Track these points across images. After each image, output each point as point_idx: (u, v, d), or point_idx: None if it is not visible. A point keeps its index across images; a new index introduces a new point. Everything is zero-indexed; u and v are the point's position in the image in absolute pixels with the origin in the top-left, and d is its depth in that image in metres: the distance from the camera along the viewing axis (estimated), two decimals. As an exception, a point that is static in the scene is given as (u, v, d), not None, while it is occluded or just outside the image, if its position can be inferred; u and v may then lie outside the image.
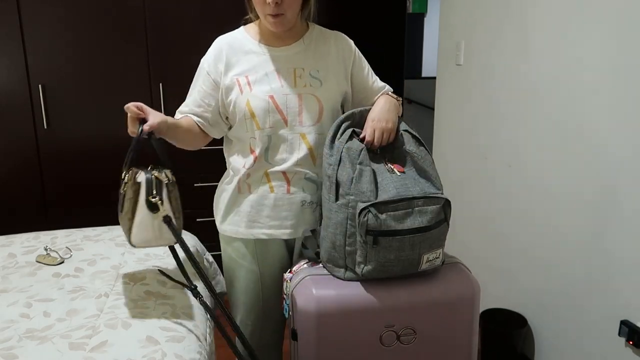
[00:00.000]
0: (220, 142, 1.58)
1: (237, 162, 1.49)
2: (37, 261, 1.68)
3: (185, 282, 1.41)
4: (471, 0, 2.45)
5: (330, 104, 1.45)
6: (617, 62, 1.68)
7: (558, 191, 1.97)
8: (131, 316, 1.34)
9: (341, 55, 1.50)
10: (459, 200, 2.51)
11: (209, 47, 1.48)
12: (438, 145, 2.84)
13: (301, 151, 1.44)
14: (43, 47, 2.64)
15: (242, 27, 1.51)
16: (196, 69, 1.49)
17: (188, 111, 1.48)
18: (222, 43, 1.47)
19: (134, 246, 1.33)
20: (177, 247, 1.34)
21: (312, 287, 1.35)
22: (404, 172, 1.38)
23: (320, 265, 1.44)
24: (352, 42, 1.54)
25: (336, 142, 1.38)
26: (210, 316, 1.40)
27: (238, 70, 1.43)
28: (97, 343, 1.23)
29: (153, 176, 1.27)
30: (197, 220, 2.59)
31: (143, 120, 1.30)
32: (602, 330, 1.80)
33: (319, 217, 1.48)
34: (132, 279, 1.54)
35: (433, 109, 2.87)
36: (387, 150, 1.44)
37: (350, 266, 1.36)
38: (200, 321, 1.40)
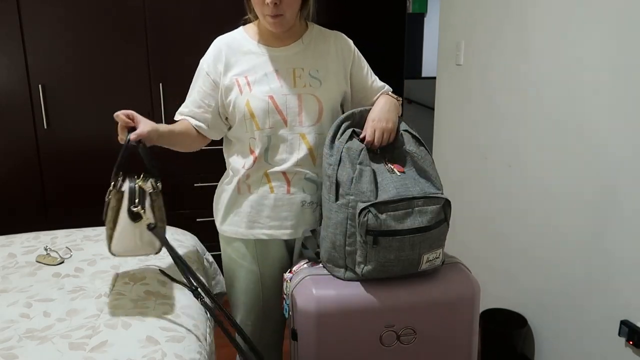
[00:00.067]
0: (220, 142, 1.57)
1: (237, 163, 1.49)
2: (37, 261, 1.68)
3: (185, 282, 1.40)
4: (471, 0, 2.45)
5: (329, 104, 1.45)
6: (617, 62, 1.68)
7: (558, 191, 1.97)
8: (131, 316, 1.34)
9: (340, 55, 1.50)
10: (459, 200, 2.51)
11: (209, 47, 1.48)
12: (438, 145, 2.84)
13: (301, 151, 1.44)
14: (43, 47, 2.64)
15: (241, 28, 1.51)
16: (196, 69, 1.49)
17: (188, 112, 1.48)
18: (221, 43, 1.47)
19: (114, 255, 1.35)
20: (177, 248, 1.34)
21: (312, 287, 1.35)
22: (404, 172, 1.38)
23: (320, 265, 1.44)
24: (351, 41, 1.54)
25: (336, 142, 1.37)
26: (212, 316, 1.39)
27: (237, 70, 1.43)
28: (97, 343, 1.22)
29: (137, 185, 1.28)
30: (197, 220, 2.59)
31: (133, 129, 1.30)
32: (602, 330, 1.80)
33: (319, 217, 1.48)
34: (132, 279, 1.54)
35: (433, 109, 2.87)
36: (387, 150, 1.44)
37: (350, 266, 1.36)
38: (200, 321, 1.40)
